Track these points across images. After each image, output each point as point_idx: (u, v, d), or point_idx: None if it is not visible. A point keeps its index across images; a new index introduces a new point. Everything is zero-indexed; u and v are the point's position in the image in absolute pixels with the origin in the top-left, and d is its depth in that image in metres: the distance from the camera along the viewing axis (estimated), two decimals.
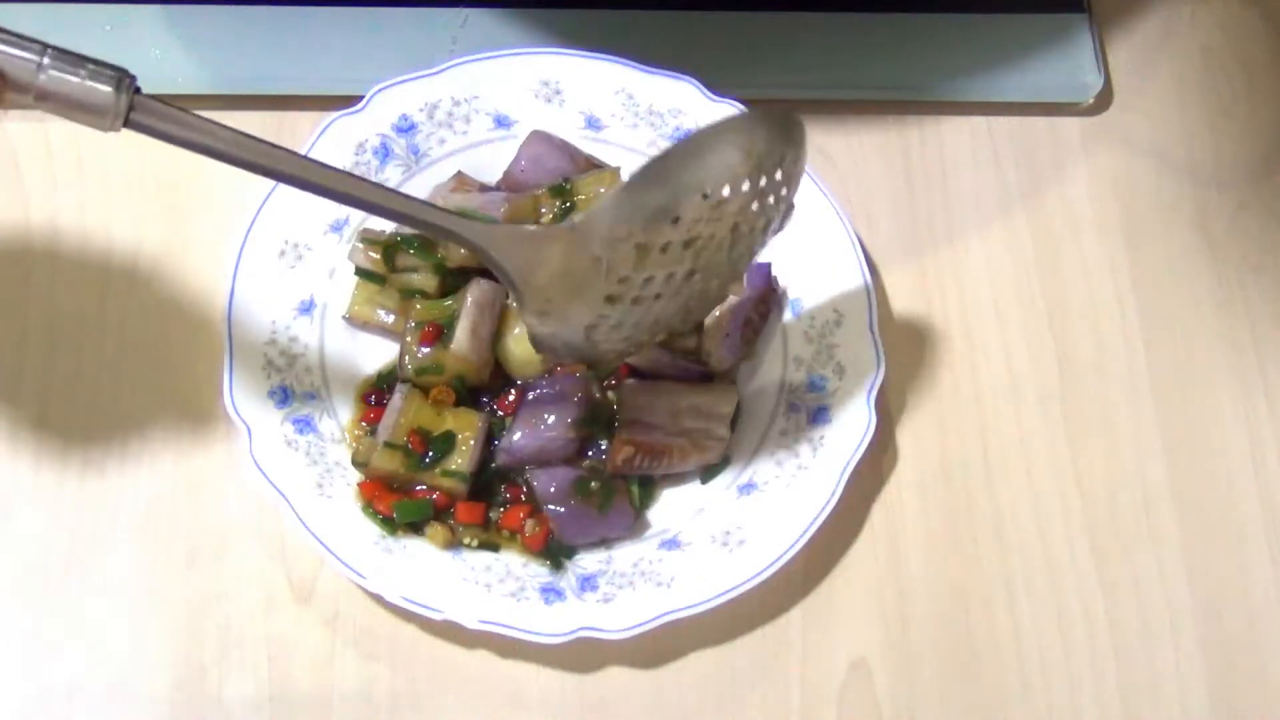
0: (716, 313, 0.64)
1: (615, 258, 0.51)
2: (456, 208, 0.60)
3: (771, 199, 0.53)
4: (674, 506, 0.64)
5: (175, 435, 0.64)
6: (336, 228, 0.66)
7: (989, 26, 0.75)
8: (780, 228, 0.56)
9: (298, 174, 0.50)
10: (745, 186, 0.51)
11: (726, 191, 0.51)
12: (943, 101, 0.74)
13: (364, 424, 0.63)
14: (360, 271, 0.65)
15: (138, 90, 0.48)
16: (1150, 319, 0.70)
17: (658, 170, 0.50)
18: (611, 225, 0.50)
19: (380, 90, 0.66)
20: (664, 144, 0.68)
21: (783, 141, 0.52)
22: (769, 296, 0.66)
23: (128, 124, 0.48)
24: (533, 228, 0.53)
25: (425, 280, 0.64)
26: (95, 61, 0.47)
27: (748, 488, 0.63)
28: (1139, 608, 0.64)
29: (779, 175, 0.52)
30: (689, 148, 0.50)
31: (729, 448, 0.64)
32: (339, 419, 0.63)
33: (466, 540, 0.61)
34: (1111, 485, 0.67)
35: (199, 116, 0.49)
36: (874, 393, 0.62)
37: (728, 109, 0.67)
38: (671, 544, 0.62)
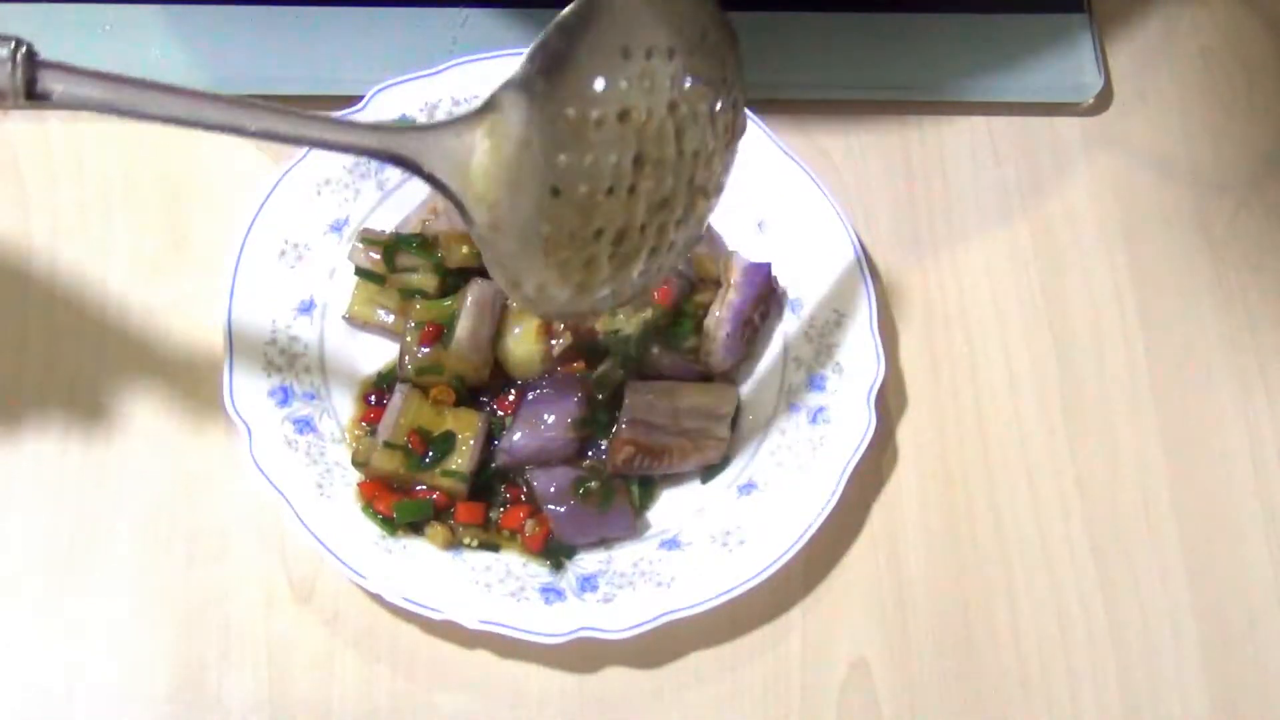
0: (717, 313, 0.64)
1: (546, 136, 0.47)
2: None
3: (707, 75, 0.50)
4: (674, 506, 0.64)
5: (175, 435, 0.64)
6: (336, 228, 0.66)
7: (989, 26, 0.75)
8: (734, 135, 0.52)
9: (226, 121, 0.47)
10: (668, 49, 0.48)
11: (649, 54, 0.48)
12: (943, 101, 0.74)
13: (364, 424, 0.63)
14: (360, 271, 0.65)
15: (35, 58, 0.44)
16: (1150, 319, 0.70)
17: (563, 30, 0.46)
18: (528, 96, 0.46)
19: (380, 90, 0.66)
20: None
21: (701, 10, 0.49)
22: (769, 296, 0.66)
23: (33, 97, 0.44)
24: (448, 120, 0.49)
25: (425, 280, 0.64)
26: None
27: (748, 488, 0.63)
28: (1139, 608, 0.64)
29: (708, 47, 0.49)
30: (595, 5, 0.46)
31: (729, 448, 0.64)
32: (339, 419, 0.63)
33: (466, 540, 0.61)
34: (1111, 485, 0.67)
35: (114, 75, 0.45)
36: (874, 393, 0.62)
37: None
38: (671, 544, 0.62)
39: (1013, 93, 0.74)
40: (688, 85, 0.49)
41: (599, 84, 0.47)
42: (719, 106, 0.51)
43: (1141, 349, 0.70)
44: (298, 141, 0.48)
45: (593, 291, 0.51)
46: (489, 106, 0.47)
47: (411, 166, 0.48)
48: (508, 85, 0.47)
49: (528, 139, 0.47)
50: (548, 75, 0.46)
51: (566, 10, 0.46)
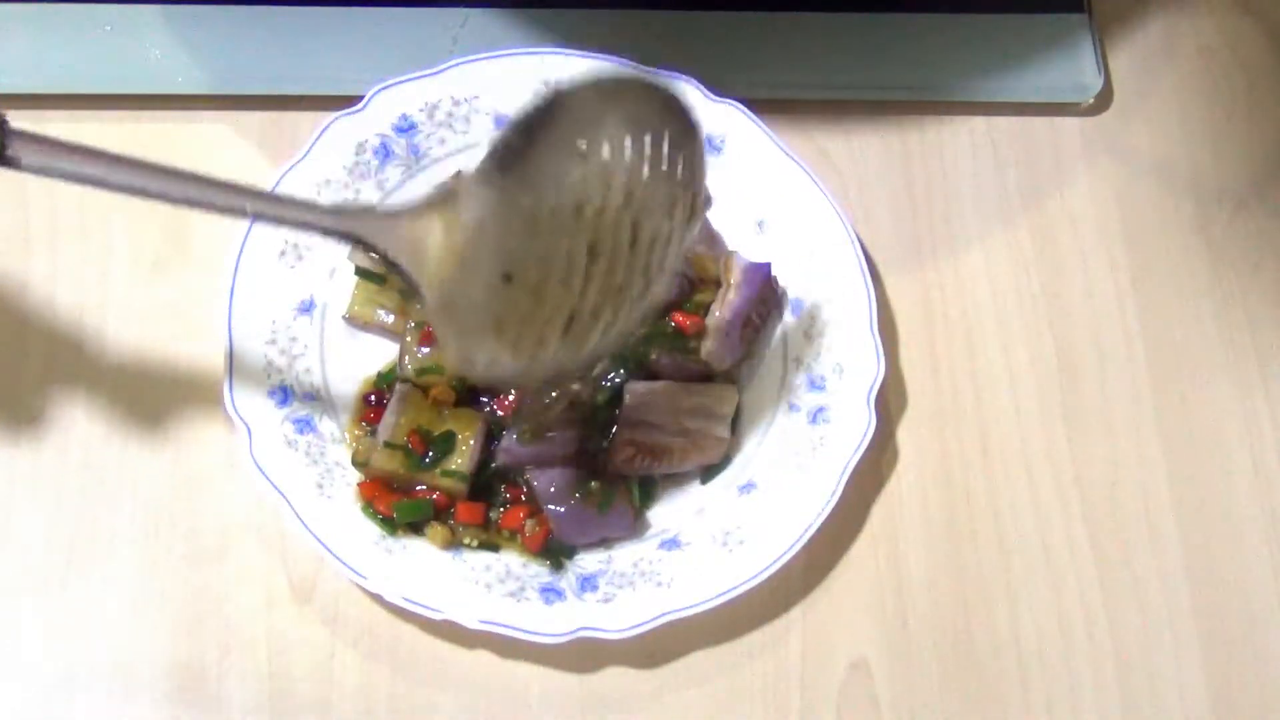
0: (717, 313, 0.64)
1: (499, 225, 0.49)
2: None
3: (665, 169, 0.51)
4: (674, 506, 0.64)
5: (175, 435, 0.64)
6: None
7: (989, 26, 0.75)
8: (693, 217, 0.54)
9: (191, 196, 0.49)
10: (628, 145, 0.49)
11: (606, 151, 0.49)
12: (943, 101, 0.74)
13: (364, 424, 0.63)
14: (360, 271, 0.65)
15: (5, 125, 0.46)
16: (1150, 319, 0.70)
17: (524, 127, 0.47)
18: (484, 186, 0.48)
19: (380, 90, 0.66)
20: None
21: (662, 106, 0.50)
22: (769, 296, 0.66)
23: (2, 163, 0.46)
24: (407, 206, 0.51)
25: None
26: None
27: (748, 488, 0.63)
28: (1139, 608, 0.64)
29: (667, 142, 0.50)
30: (556, 104, 0.47)
31: (729, 448, 0.64)
32: (339, 419, 0.63)
33: (466, 540, 0.61)
34: (1111, 485, 0.67)
35: (84, 147, 0.47)
36: (874, 393, 0.62)
37: (726, 106, 0.67)
38: (671, 544, 0.62)
39: (1013, 93, 0.74)
40: (645, 175, 0.50)
41: (555, 178, 0.49)
42: (676, 195, 0.52)
43: (1141, 349, 0.70)
44: (260, 218, 0.51)
45: (545, 364, 0.53)
46: (448, 195, 0.49)
47: (369, 245, 0.50)
48: (467, 175, 0.48)
49: (482, 227, 0.49)
50: (505, 168, 0.48)
51: (528, 105, 0.47)
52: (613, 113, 0.49)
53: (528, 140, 0.48)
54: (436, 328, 0.52)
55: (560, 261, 0.50)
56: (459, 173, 0.67)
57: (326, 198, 0.65)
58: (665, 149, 0.51)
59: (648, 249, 0.53)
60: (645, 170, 0.50)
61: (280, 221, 0.51)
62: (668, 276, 0.54)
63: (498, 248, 0.49)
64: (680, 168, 0.52)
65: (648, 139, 0.50)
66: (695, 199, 0.53)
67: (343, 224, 0.50)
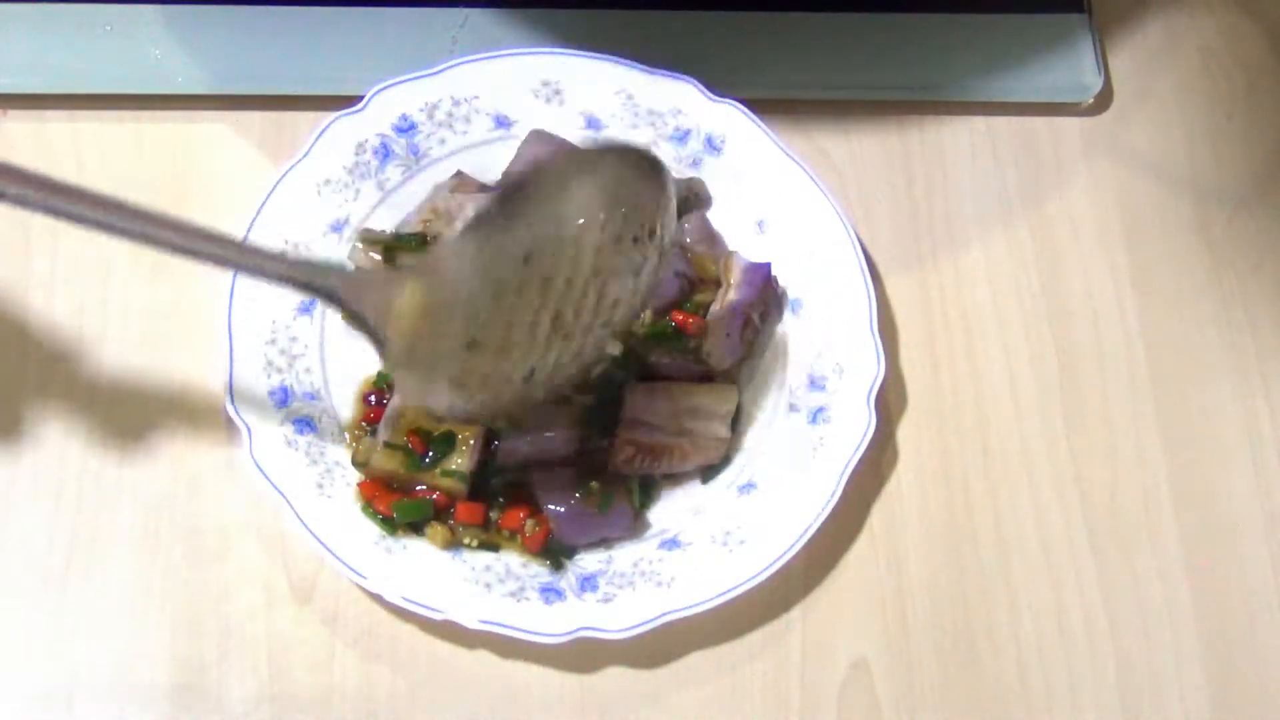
0: (717, 312, 0.64)
1: (470, 296, 0.50)
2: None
3: (634, 240, 0.53)
4: (674, 506, 0.64)
5: (175, 435, 0.64)
6: (337, 228, 0.66)
7: (989, 26, 0.75)
8: (656, 274, 0.56)
9: (175, 241, 0.50)
10: (601, 219, 0.51)
11: (580, 227, 0.51)
12: (943, 101, 0.74)
13: (364, 424, 0.63)
14: None
15: None
16: (1150, 319, 0.70)
17: (507, 202, 0.49)
18: (459, 261, 0.49)
19: (380, 90, 0.66)
20: (664, 144, 0.68)
21: (637, 172, 0.51)
22: (769, 296, 0.66)
23: None
24: (382, 272, 0.53)
25: None
26: None
27: (748, 488, 0.63)
28: (1139, 608, 0.64)
29: (640, 212, 0.52)
30: (538, 180, 0.49)
31: (729, 448, 0.64)
32: (339, 419, 0.63)
33: (466, 540, 0.61)
34: (1111, 485, 0.67)
35: (51, 181, 0.49)
36: (874, 393, 0.62)
37: (726, 106, 0.67)
38: (671, 544, 0.62)
39: (1013, 93, 0.74)
40: (615, 248, 0.52)
41: (526, 254, 0.50)
42: (645, 258, 0.54)
43: (1141, 349, 0.70)
44: (230, 266, 0.53)
45: (503, 403, 0.56)
46: (423, 264, 0.51)
47: (335, 301, 0.51)
48: (443, 246, 0.50)
49: (454, 298, 0.50)
50: (480, 244, 0.49)
51: (508, 180, 0.48)
52: (589, 185, 0.50)
53: (505, 214, 0.49)
54: (396, 378, 0.54)
55: (525, 330, 0.52)
56: (458, 172, 0.67)
57: (326, 198, 0.66)
58: (639, 219, 0.52)
59: (611, 308, 0.55)
60: (616, 241, 0.52)
61: (249, 272, 0.53)
62: (620, 331, 0.57)
63: (466, 317, 0.51)
64: (651, 234, 0.53)
65: (621, 212, 0.51)
66: (663, 260, 0.55)
67: (314, 281, 0.52)
